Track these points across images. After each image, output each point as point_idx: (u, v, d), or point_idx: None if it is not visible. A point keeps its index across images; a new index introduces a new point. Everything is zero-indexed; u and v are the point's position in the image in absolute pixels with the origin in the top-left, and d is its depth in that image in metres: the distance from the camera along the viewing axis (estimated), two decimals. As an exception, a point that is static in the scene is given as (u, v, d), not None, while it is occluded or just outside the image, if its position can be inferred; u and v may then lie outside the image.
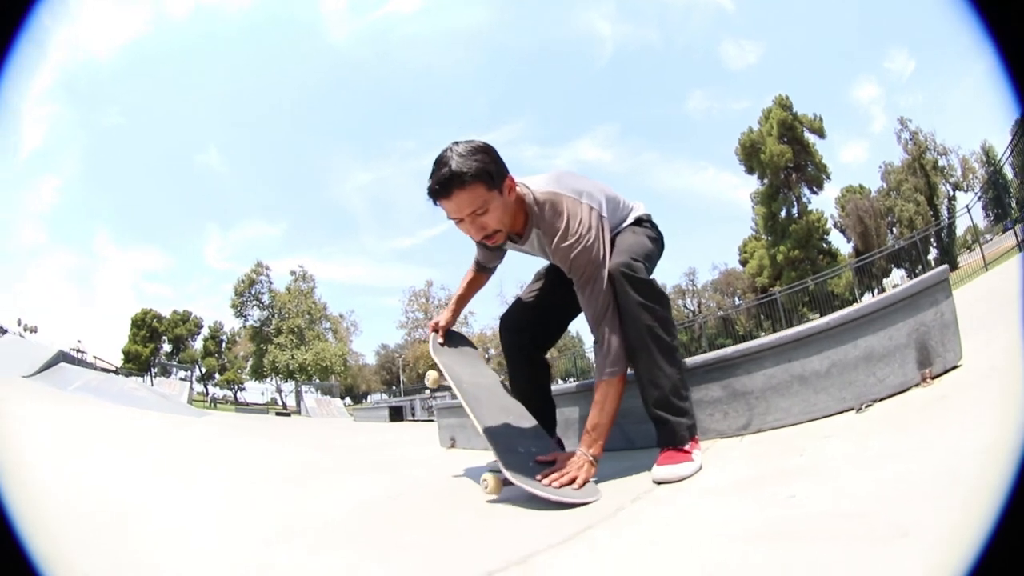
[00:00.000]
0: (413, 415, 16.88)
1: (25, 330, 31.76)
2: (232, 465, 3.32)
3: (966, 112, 40.09)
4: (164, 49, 60.79)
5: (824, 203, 36.50)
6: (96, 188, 59.20)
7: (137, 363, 39.19)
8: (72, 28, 51.43)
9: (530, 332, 2.47)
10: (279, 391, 40.03)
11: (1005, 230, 14.36)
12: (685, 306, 48.13)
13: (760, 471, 1.60)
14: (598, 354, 1.98)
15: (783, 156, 34.53)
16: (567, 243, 1.90)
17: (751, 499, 1.35)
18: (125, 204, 59.71)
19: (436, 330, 2.53)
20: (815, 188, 35.60)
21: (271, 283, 40.53)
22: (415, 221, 67.90)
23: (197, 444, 4.43)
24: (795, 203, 35.86)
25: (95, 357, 22.02)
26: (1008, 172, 19.79)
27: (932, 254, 26.47)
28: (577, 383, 3.01)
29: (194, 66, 64.88)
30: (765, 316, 26.29)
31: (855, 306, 2.17)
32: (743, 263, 39.87)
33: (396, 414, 17.43)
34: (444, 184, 1.73)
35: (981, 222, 17.66)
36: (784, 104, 35.01)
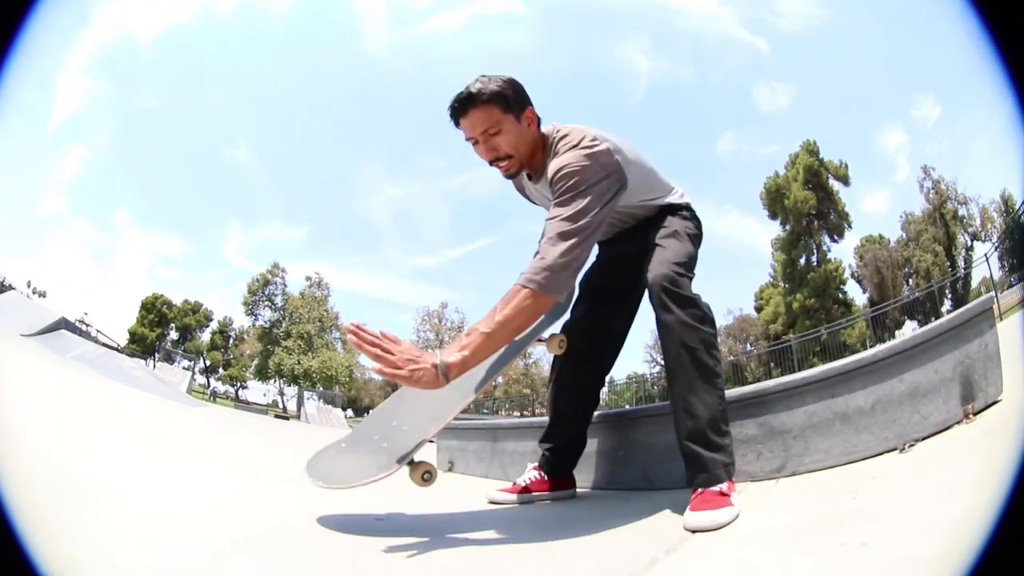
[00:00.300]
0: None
1: (34, 293, 31.78)
2: (211, 459, 3.11)
3: (988, 159, 39.92)
4: (205, 40, 61.68)
5: (843, 252, 36.04)
6: (122, 166, 58.58)
7: (142, 346, 38.91)
8: (117, 5, 52.30)
9: (595, 354, 2.24)
10: (281, 394, 39.79)
11: (1017, 281, 14.10)
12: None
13: (812, 516, 1.42)
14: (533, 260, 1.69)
15: (807, 202, 34.33)
16: (576, 148, 1.76)
17: (811, 548, 1.18)
18: (150, 186, 59.17)
19: None
20: (836, 236, 35.28)
21: (286, 286, 40.54)
22: (439, 240, 67.25)
23: (182, 432, 4.20)
24: (815, 251, 35.54)
25: (98, 331, 21.65)
26: None
27: (946, 305, 25.97)
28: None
29: (233, 60, 65.70)
30: (775, 364, 25.90)
31: (901, 338, 2.04)
32: (758, 309, 39.45)
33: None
34: (462, 102, 1.76)
35: (997, 272, 17.40)
36: (811, 149, 34.90)
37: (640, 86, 64.84)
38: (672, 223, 2.04)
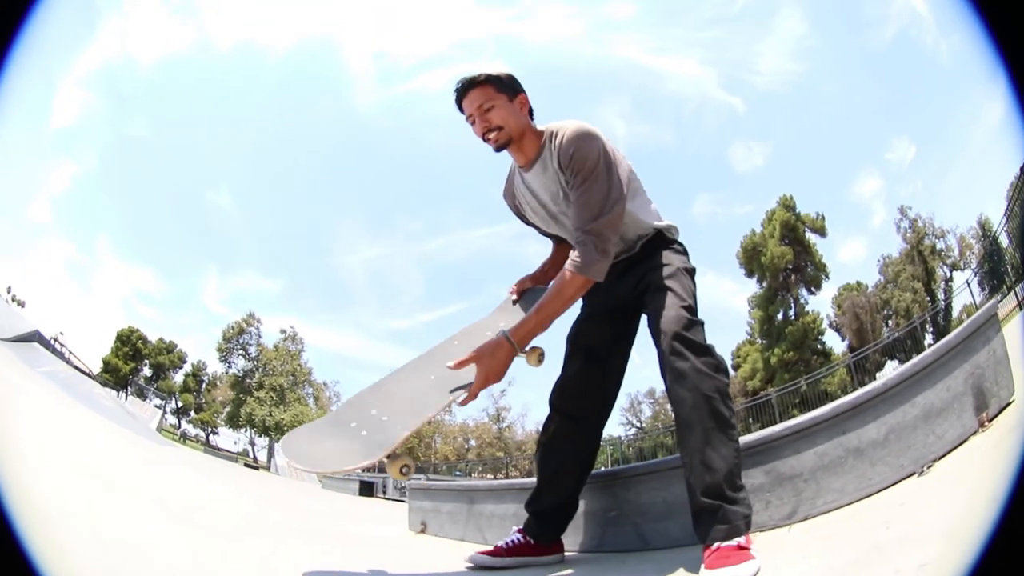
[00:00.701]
0: (384, 493, 16.30)
1: (13, 300, 30.76)
2: (166, 500, 2.84)
3: (964, 188, 41.35)
4: (201, 74, 62.65)
5: (820, 303, 36.54)
6: (108, 190, 57.56)
7: (115, 377, 37.50)
8: (123, 22, 52.14)
9: (585, 413, 2.13)
10: (252, 444, 38.91)
11: (1003, 296, 14.33)
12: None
13: (846, 554, 1.24)
14: (575, 249, 1.85)
15: (784, 258, 34.91)
16: (577, 129, 1.89)
17: None
18: (133, 216, 57.78)
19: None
20: (813, 289, 35.78)
21: (260, 336, 40.21)
22: (413, 303, 66.35)
23: (141, 467, 3.90)
24: (792, 305, 35.96)
25: (71, 352, 20.71)
26: (1004, 239, 19.76)
27: (928, 340, 26.17)
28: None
29: (224, 100, 66.18)
30: (754, 419, 25.82)
31: (911, 361, 1.99)
32: (736, 367, 39.59)
33: (367, 489, 16.78)
34: (465, 85, 1.94)
35: (978, 297, 17.62)
36: (788, 204, 35.73)
37: (618, 151, 66.43)
38: (671, 259, 1.99)
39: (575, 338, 2.18)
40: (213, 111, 65.09)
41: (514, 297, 2.29)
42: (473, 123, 1.97)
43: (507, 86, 1.96)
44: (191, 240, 62.85)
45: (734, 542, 1.51)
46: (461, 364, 1.75)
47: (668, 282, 1.90)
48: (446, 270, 66.19)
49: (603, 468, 2.98)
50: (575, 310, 2.19)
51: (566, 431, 2.11)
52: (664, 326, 1.77)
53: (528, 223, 2.27)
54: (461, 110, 1.99)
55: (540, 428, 2.24)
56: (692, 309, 1.84)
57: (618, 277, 2.02)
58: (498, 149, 2.00)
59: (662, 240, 2.05)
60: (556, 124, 1.97)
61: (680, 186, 63.51)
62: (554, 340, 1.99)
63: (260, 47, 63.68)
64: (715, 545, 1.52)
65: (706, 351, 1.74)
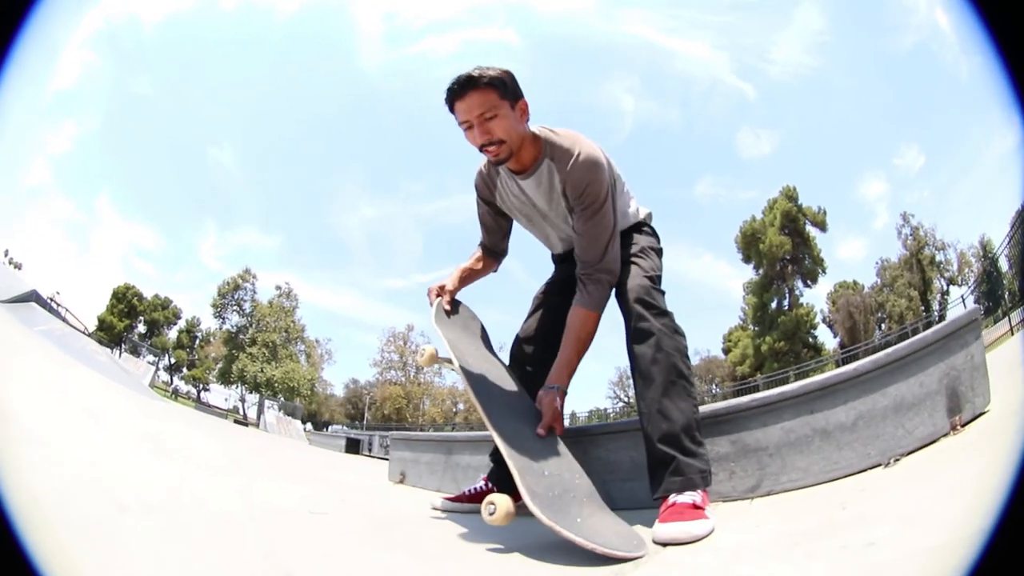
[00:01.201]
0: (370, 451, 16.39)
1: (10, 263, 30.76)
2: (154, 437, 2.89)
3: (968, 205, 41.10)
4: (205, 32, 62.24)
5: (815, 298, 36.65)
6: (110, 149, 58.02)
7: (110, 334, 37.77)
8: None
9: (538, 367, 2.14)
10: (242, 400, 39.04)
11: (997, 320, 14.41)
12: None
13: (800, 527, 1.28)
14: (588, 285, 1.93)
15: (782, 247, 34.86)
16: (587, 160, 1.87)
17: (811, 555, 1.05)
18: (133, 174, 58.35)
19: (441, 294, 2.13)
20: (809, 282, 35.82)
21: (255, 293, 40.18)
22: (410, 264, 66.83)
23: (131, 412, 3.94)
24: (787, 295, 35.99)
25: (67, 311, 20.65)
26: (1004, 264, 19.82)
27: None
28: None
29: (230, 58, 65.96)
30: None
31: (886, 351, 1.94)
32: (726, 351, 39.75)
33: (353, 446, 16.89)
34: (462, 84, 1.75)
35: None
36: (790, 195, 35.57)
37: (625, 125, 66.00)
38: (638, 240, 2.09)
39: (541, 297, 2.31)
40: (217, 68, 64.61)
41: (446, 307, 2.11)
42: (469, 129, 1.83)
43: (510, 91, 1.81)
44: (191, 196, 62.89)
45: (689, 499, 1.54)
46: (546, 428, 1.81)
47: (634, 258, 2.00)
48: (446, 231, 66.69)
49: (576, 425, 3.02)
50: (547, 272, 2.37)
51: (525, 380, 2.15)
52: (629, 293, 1.87)
53: (493, 215, 2.25)
54: (452, 111, 1.83)
55: None
56: (656, 279, 1.96)
57: None
58: (497, 163, 1.92)
59: (634, 226, 2.15)
60: (558, 137, 1.91)
61: (686, 165, 63.30)
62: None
63: (267, 5, 62.75)
64: (671, 500, 1.56)
65: (667, 314, 1.85)
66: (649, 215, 2.23)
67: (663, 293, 1.94)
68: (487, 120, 1.79)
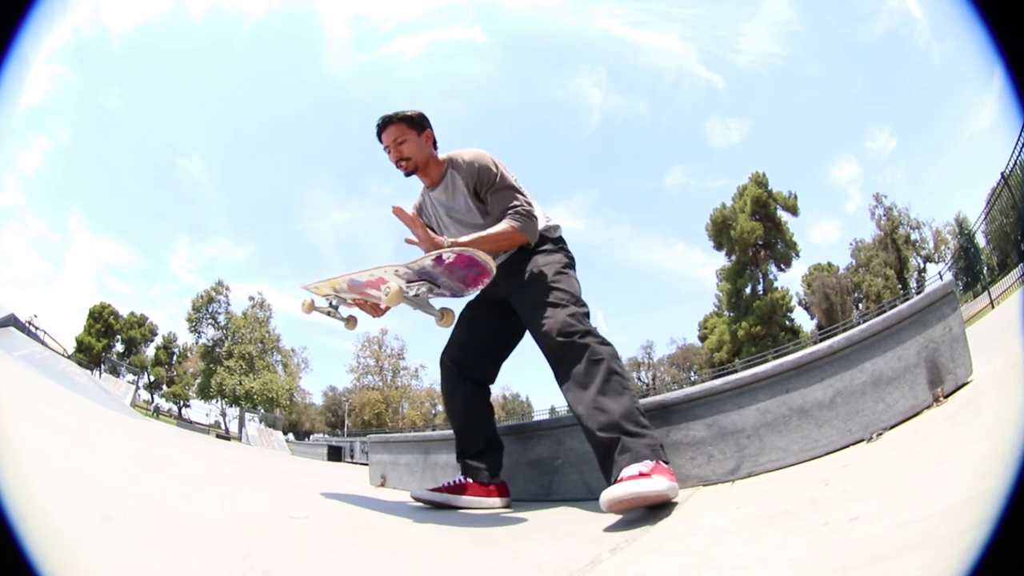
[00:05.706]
0: (352, 457, 16.26)
1: None
2: (139, 454, 2.84)
3: (942, 185, 41.81)
4: (173, 41, 60.82)
5: (790, 281, 37.13)
6: (81, 165, 57.51)
7: (89, 355, 37.38)
8: None
9: (473, 369, 2.43)
10: (223, 415, 38.63)
11: (981, 291, 14.66)
12: (640, 379, 48.73)
13: (781, 506, 1.26)
14: (512, 219, 2.15)
15: (753, 233, 35.23)
16: (475, 155, 2.27)
17: (791, 533, 1.03)
18: (104, 190, 58.18)
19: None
20: (783, 266, 36.26)
21: (229, 304, 39.75)
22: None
23: (116, 432, 3.86)
24: (761, 280, 36.40)
25: (45, 333, 20.29)
26: (981, 239, 20.08)
27: None
28: (525, 422, 2.76)
29: (196, 68, 65.05)
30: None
31: (861, 326, 1.95)
32: (702, 339, 40.11)
33: (335, 453, 16.73)
34: (384, 120, 2.30)
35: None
36: (760, 181, 35.96)
37: (593, 120, 66.29)
38: (547, 264, 2.24)
39: (467, 311, 2.51)
40: (186, 77, 63.53)
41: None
42: (388, 151, 2.34)
43: (417, 123, 2.31)
44: (162, 210, 61.80)
45: (636, 470, 1.61)
46: (410, 218, 1.99)
47: (549, 298, 2.12)
48: (417, 235, 65.71)
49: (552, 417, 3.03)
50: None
51: (453, 386, 2.42)
52: (551, 333, 2.01)
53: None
54: (380, 140, 2.34)
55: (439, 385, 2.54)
56: (574, 302, 2.11)
57: (504, 276, 2.22)
58: (407, 174, 2.37)
59: (542, 240, 2.33)
60: (455, 152, 2.36)
61: (654, 156, 63.62)
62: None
63: (234, 12, 62.12)
64: (622, 475, 1.62)
65: (590, 333, 1.99)
66: (558, 227, 2.44)
67: (586, 313, 2.10)
68: (399, 144, 2.30)
